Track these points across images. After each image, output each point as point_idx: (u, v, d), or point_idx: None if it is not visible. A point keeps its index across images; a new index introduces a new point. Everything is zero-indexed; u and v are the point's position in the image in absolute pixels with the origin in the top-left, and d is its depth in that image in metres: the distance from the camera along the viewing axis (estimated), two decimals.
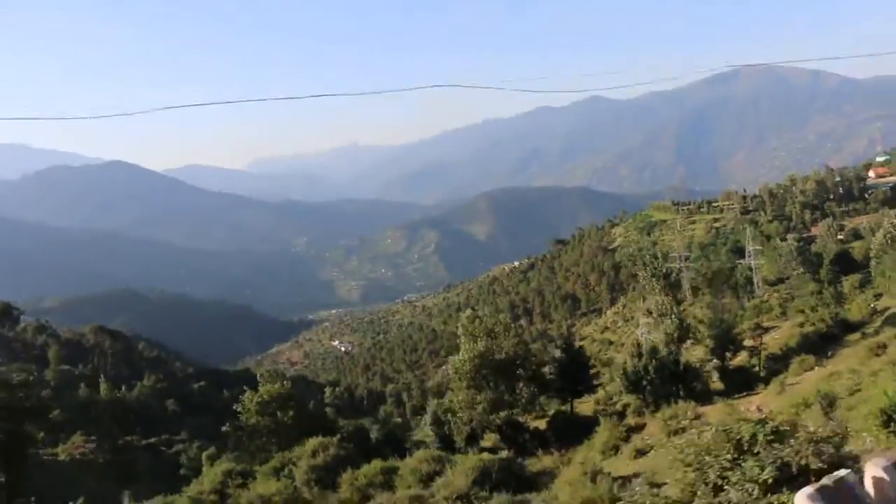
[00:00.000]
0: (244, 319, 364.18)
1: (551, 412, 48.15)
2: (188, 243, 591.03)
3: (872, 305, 56.23)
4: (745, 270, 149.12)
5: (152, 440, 76.24)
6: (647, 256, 66.38)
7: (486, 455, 27.44)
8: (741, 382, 42.92)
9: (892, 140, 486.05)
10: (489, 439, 43.38)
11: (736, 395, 39.86)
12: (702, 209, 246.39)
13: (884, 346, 38.17)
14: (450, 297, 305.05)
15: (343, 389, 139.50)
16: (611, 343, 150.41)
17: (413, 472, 24.87)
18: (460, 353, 45.46)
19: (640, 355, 43.24)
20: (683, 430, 30.15)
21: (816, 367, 40.05)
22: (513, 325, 50.63)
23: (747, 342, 49.28)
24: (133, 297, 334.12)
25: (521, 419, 44.74)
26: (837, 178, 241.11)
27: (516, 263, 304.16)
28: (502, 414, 42.86)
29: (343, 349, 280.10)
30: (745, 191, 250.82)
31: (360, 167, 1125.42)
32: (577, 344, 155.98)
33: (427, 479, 23.48)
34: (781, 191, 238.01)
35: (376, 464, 26.23)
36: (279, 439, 41.53)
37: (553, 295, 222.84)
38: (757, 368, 46.18)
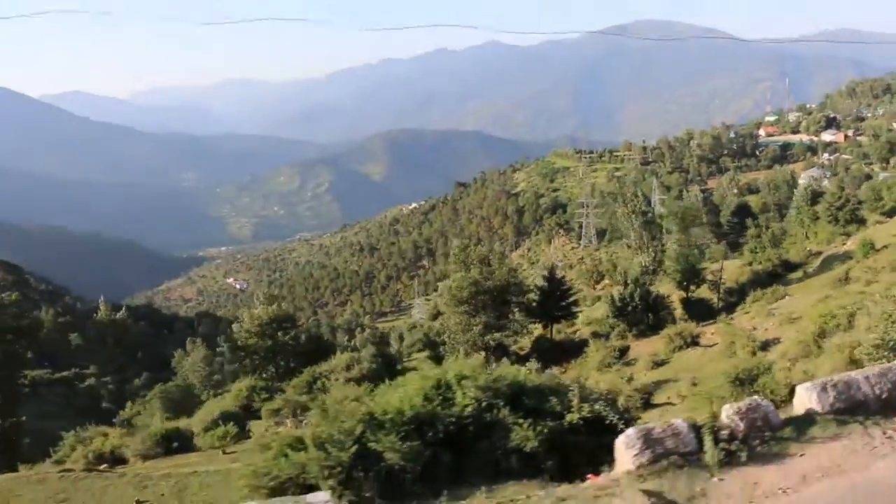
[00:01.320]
0: (129, 254, 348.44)
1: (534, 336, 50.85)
2: (67, 174, 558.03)
3: (808, 248, 60.78)
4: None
5: (62, 374, 72.84)
6: (628, 195, 68.61)
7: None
8: (702, 312, 47.43)
9: (777, 101, 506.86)
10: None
11: (703, 322, 43.94)
12: (603, 158, 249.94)
13: (847, 278, 42.92)
14: (347, 237, 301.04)
15: None
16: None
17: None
18: (451, 280, 48.54)
19: (625, 284, 48.31)
20: (687, 345, 37.52)
21: (787, 296, 44.06)
22: (506, 256, 53.89)
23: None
24: (8, 229, 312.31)
25: (505, 342, 46.56)
26: (732, 135, 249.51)
27: (414, 205, 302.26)
28: (496, 335, 44.96)
29: (238, 286, 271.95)
30: (643, 142, 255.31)
31: (250, 103, 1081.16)
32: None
33: None
34: (679, 144, 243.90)
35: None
36: (282, 358, 43.19)
37: (456, 237, 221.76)
38: (715, 301, 50.41)
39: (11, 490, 19.41)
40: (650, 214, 73.64)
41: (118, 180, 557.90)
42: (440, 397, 9.53)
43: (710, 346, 37.34)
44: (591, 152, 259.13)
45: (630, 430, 7.62)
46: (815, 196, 71.29)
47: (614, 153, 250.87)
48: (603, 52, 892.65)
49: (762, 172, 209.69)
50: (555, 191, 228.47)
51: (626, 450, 7.39)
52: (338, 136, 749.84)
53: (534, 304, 50.52)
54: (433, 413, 9.12)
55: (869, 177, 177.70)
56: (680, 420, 7.82)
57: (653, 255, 55.62)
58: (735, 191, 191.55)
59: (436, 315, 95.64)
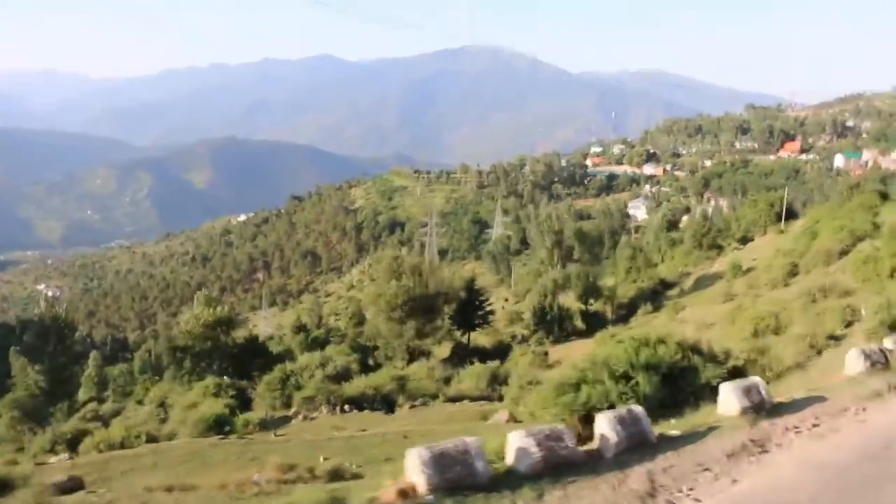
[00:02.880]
0: None
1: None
2: None
3: (681, 269, 62.71)
4: (502, 238, 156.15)
5: None
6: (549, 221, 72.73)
7: None
8: (599, 323, 51.67)
9: (596, 131, 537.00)
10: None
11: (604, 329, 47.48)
12: (441, 179, 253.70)
13: (732, 296, 47.09)
14: (172, 246, 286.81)
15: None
16: (359, 301, 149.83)
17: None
18: (378, 288, 50.49)
19: (545, 295, 51.83)
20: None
21: (688, 308, 47.97)
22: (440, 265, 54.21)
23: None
24: None
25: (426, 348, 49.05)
26: (563, 163, 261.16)
27: (243, 216, 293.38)
28: (427, 340, 48.13)
29: (50, 293, 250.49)
30: (478, 165, 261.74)
31: (64, 96, 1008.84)
32: (324, 300, 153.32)
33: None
34: (512, 169, 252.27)
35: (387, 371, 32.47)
36: (223, 361, 43.12)
37: (293, 251, 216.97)
38: (609, 313, 54.90)
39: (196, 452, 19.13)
40: (561, 235, 76.61)
41: None
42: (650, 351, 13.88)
43: None
44: (429, 172, 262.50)
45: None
46: (671, 224, 76.44)
47: (451, 175, 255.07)
48: (434, 74, 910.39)
49: (590, 200, 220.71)
50: (393, 209, 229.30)
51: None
52: (161, 139, 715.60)
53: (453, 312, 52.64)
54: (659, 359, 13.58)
55: (688, 209, 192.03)
56: None
57: (560, 273, 57.29)
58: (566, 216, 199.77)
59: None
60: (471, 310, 52.94)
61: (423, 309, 47.43)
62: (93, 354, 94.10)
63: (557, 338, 47.75)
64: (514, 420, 20.94)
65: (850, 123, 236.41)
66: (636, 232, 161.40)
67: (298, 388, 30.38)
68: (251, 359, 43.53)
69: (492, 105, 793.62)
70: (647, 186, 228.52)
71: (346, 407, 25.93)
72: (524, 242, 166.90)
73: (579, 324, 51.68)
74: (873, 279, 29.70)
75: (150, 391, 51.02)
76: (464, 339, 52.74)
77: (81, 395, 66.86)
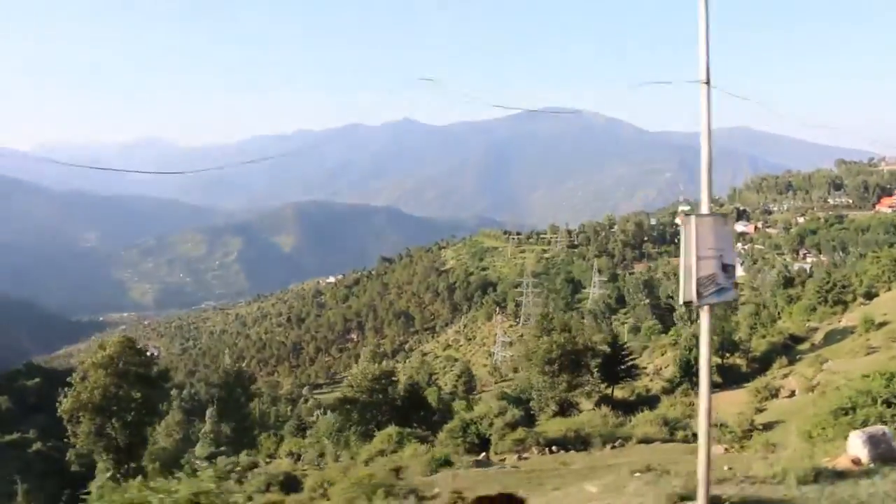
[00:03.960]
0: (22, 317, 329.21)
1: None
2: None
3: (808, 325, 65.33)
4: (603, 296, 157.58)
5: (9, 438, 69.27)
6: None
7: None
8: (735, 377, 52.78)
9: (677, 191, 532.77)
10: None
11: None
12: (530, 240, 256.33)
13: (874, 348, 47.71)
14: (264, 307, 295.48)
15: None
16: (455, 360, 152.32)
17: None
18: (540, 343, 50.95)
19: (689, 349, 52.39)
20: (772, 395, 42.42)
21: (831, 361, 47.94)
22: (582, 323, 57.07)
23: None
24: None
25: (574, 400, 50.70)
26: (653, 222, 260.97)
27: (332, 278, 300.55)
28: (576, 392, 49.74)
29: (149, 353, 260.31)
30: (567, 225, 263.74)
31: (159, 164, 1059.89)
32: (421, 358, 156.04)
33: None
34: (602, 229, 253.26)
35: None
36: (389, 412, 46.64)
37: (386, 311, 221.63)
38: (744, 367, 55.65)
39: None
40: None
41: (6, 238, 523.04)
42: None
43: (789, 396, 40.89)
44: (519, 233, 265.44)
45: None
46: (788, 281, 77.57)
47: (541, 235, 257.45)
48: (512, 136, 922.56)
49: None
50: (484, 269, 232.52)
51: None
52: (247, 204, 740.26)
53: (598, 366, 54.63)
54: None
55: (786, 266, 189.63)
56: None
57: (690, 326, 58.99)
58: (658, 275, 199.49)
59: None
60: (614, 364, 54.93)
61: (573, 363, 49.54)
62: (209, 411, 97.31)
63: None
64: (727, 451, 23.24)
65: None
66: (740, 289, 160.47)
67: (478, 434, 32.06)
68: (413, 410, 45.82)
69: (569, 166, 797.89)
70: (740, 244, 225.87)
71: (553, 448, 28.06)
72: (620, 301, 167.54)
73: (716, 377, 52.85)
74: None
75: (279, 445, 53.25)
76: (608, 392, 54.57)
77: (199, 451, 69.60)
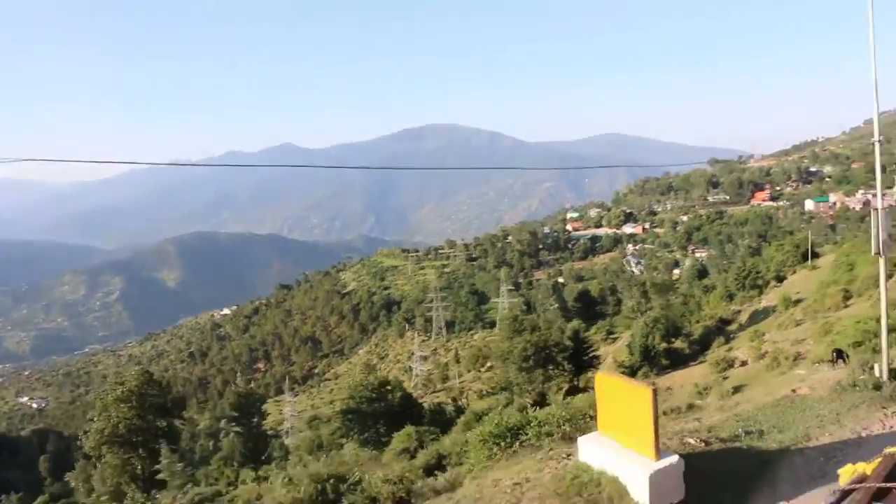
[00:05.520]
0: None
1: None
2: None
3: (732, 308, 71.30)
4: (515, 305, 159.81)
5: None
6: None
7: None
8: (681, 358, 55.28)
9: (559, 199, 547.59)
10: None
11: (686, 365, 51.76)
12: (429, 256, 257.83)
13: (799, 321, 50.58)
14: (158, 345, 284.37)
15: None
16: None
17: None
18: (505, 345, 54.53)
19: (646, 336, 55.60)
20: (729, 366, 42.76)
21: (767, 334, 50.69)
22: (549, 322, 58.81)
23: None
24: None
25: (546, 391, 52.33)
26: (547, 230, 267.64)
27: (227, 311, 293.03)
28: (551, 383, 51.82)
29: (35, 405, 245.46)
30: (462, 240, 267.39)
31: (23, 204, 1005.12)
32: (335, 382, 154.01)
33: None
34: (497, 240, 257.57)
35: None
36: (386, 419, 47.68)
37: (292, 338, 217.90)
38: (687, 350, 58.26)
39: None
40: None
41: None
42: None
43: (742, 365, 42.46)
44: (417, 251, 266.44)
45: None
46: (702, 273, 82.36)
47: (439, 251, 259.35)
48: (396, 155, 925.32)
49: (578, 263, 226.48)
50: (386, 289, 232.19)
51: None
52: (126, 240, 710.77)
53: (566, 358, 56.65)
54: None
55: (676, 262, 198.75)
56: None
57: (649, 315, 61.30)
58: (560, 279, 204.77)
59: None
60: (579, 356, 57.38)
61: (546, 358, 51.80)
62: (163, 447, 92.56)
63: (657, 371, 51.28)
64: None
65: (812, 169, 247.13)
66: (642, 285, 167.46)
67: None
68: (407, 415, 46.38)
69: (454, 181, 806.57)
70: (631, 245, 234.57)
71: None
72: (528, 307, 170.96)
73: (664, 360, 55.48)
74: None
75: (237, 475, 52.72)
76: (575, 382, 56.42)
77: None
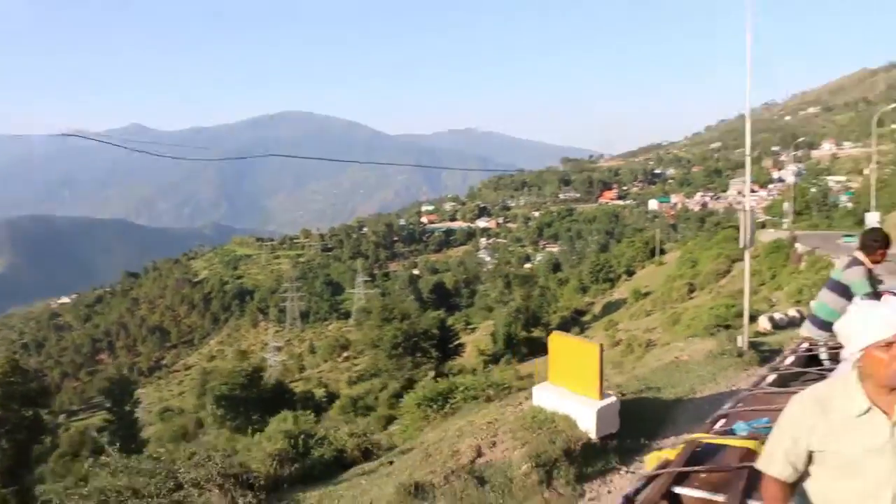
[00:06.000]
0: None
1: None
2: None
3: (585, 300, 72.83)
4: (371, 297, 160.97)
5: None
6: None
7: None
8: (538, 347, 54.54)
9: (413, 192, 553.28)
10: None
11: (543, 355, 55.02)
12: (284, 245, 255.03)
13: (649, 311, 55.15)
14: None
15: None
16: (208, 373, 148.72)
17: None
18: (374, 332, 55.43)
19: (509, 325, 58.64)
20: None
21: (621, 323, 55.38)
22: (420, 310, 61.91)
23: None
24: None
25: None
26: (402, 222, 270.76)
27: (66, 299, 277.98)
28: (420, 369, 52.70)
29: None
30: (317, 229, 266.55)
31: None
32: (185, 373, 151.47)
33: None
34: (353, 231, 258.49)
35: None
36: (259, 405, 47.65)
37: (138, 328, 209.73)
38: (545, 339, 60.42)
39: None
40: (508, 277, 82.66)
41: None
42: None
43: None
44: (272, 240, 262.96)
45: None
46: (556, 266, 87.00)
47: (294, 240, 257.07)
48: (250, 141, 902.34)
49: (434, 255, 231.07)
50: (239, 278, 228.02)
51: None
52: None
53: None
54: None
55: (528, 257, 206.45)
56: None
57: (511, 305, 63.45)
58: (415, 271, 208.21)
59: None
60: (445, 343, 58.70)
61: (415, 346, 53.22)
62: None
63: (519, 359, 54.13)
64: None
65: (657, 171, 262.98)
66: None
67: (367, 407, 33.54)
68: (279, 401, 46.63)
69: (310, 170, 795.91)
70: (484, 239, 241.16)
71: None
72: (384, 297, 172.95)
73: (524, 348, 58.47)
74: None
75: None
76: (441, 369, 58.48)
77: None
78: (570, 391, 8.20)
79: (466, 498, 6.56)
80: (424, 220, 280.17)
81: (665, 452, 4.93)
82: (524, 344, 58.20)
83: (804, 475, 2.52)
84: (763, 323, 19.42)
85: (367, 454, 10.03)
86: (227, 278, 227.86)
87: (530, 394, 8.93)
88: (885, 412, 2.39)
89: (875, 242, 6.24)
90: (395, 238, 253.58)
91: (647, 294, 63.10)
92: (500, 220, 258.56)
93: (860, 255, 6.27)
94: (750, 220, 12.51)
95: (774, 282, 39.15)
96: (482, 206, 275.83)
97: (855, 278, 6.14)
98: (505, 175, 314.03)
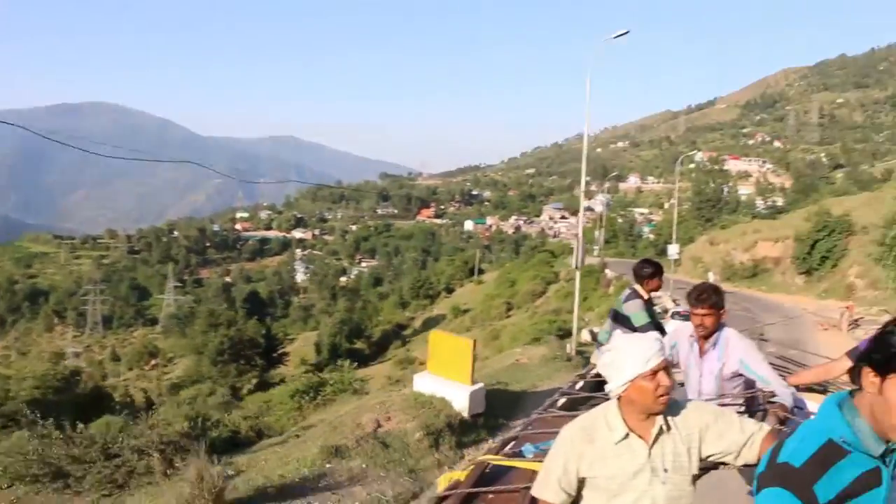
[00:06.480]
0: None
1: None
2: None
3: (406, 315, 75.56)
4: (185, 302, 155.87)
5: None
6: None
7: None
8: (360, 358, 58.53)
9: (227, 197, 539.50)
10: None
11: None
12: (86, 245, 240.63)
13: (469, 327, 57.35)
14: None
15: None
16: (8, 378, 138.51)
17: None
18: (199, 338, 55.83)
19: (334, 335, 59.77)
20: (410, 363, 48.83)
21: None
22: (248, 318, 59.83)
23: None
24: None
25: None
26: (216, 228, 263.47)
27: None
28: (245, 377, 53.28)
29: None
30: (124, 230, 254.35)
31: None
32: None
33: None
34: (164, 235, 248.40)
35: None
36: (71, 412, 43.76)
37: None
38: (367, 350, 63.25)
39: None
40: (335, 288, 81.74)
41: None
42: None
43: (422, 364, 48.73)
44: (73, 238, 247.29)
45: None
46: (378, 280, 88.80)
47: (98, 240, 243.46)
48: (49, 130, 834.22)
49: (248, 264, 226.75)
50: (32, 277, 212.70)
51: None
52: None
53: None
54: None
55: (344, 270, 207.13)
56: None
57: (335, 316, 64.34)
58: (228, 279, 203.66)
59: None
60: (270, 352, 59.01)
61: (240, 354, 52.94)
62: None
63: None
64: None
65: (474, 192, 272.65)
66: (304, 292, 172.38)
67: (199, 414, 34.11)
68: (97, 406, 44.85)
69: (116, 167, 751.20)
70: (300, 250, 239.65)
71: None
72: (197, 304, 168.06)
73: (346, 360, 59.94)
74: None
75: None
76: (265, 377, 58.59)
77: None
78: (446, 378, 9.97)
79: (375, 457, 8.15)
80: (239, 227, 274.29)
81: (455, 474, 4.94)
82: (347, 355, 59.60)
83: (578, 498, 2.76)
84: (584, 335, 22.33)
85: (259, 434, 11.25)
86: (18, 277, 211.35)
87: (410, 382, 10.65)
88: (641, 437, 2.64)
89: (646, 272, 6.42)
90: (208, 244, 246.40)
91: (466, 311, 66.10)
92: (317, 231, 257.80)
93: (637, 287, 6.46)
94: (581, 244, 14.96)
95: (587, 303, 43.16)
96: (299, 216, 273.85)
97: (633, 311, 6.34)
98: (323, 186, 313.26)
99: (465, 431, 9.24)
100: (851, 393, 2.09)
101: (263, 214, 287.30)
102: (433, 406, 9.53)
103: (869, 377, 2.01)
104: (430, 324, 68.23)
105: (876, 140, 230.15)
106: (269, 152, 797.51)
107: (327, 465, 7.93)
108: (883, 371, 1.96)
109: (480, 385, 9.99)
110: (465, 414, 9.54)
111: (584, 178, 15.76)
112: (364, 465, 7.93)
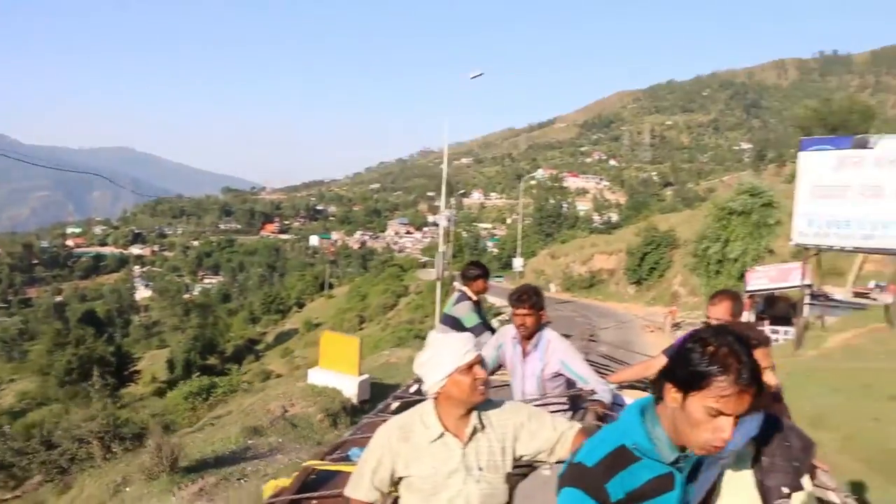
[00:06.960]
0: None
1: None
2: None
3: (258, 329, 76.15)
4: (14, 323, 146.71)
5: None
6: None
7: None
8: (215, 372, 54.14)
9: (55, 211, 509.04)
10: None
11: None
12: None
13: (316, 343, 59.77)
14: None
15: None
16: None
17: None
18: (45, 359, 53.82)
19: (188, 351, 59.61)
20: (267, 377, 48.65)
21: (297, 350, 58.87)
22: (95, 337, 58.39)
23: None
24: None
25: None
26: (44, 244, 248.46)
27: None
28: (94, 398, 48.95)
29: None
30: None
31: None
32: None
33: None
34: None
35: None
36: None
37: None
38: (219, 365, 61.08)
39: None
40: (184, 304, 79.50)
41: None
42: None
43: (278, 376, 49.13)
44: None
45: None
46: (226, 297, 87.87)
47: None
48: None
49: (82, 282, 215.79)
50: None
51: None
52: None
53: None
54: None
55: (187, 287, 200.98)
56: None
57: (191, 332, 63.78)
58: (58, 297, 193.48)
59: None
60: (121, 370, 57.12)
61: (89, 373, 51.22)
62: None
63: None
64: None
65: (319, 207, 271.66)
66: (145, 310, 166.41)
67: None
68: None
69: None
70: (138, 267, 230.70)
71: None
72: (26, 325, 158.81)
73: (197, 375, 59.72)
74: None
75: None
76: (117, 395, 57.26)
77: None
78: (337, 372, 11.90)
79: (287, 433, 9.96)
80: (70, 242, 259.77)
81: (281, 481, 4.97)
82: (201, 371, 59.42)
83: (397, 499, 2.76)
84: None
85: (167, 429, 12.63)
86: None
87: (304, 376, 12.50)
88: (456, 436, 2.65)
89: (472, 273, 6.52)
90: (36, 261, 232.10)
91: (318, 325, 67.10)
92: (157, 247, 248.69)
93: (465, 289, 6.54)
94: (442, 259, 17.19)
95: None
96: (137, 231, 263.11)
97: (462, 313, 6.40)
98: (162, 200, 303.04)
99: (355, 414, 11.18)
100: (657, 399, 2.12)
101: (98, 230, 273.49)
102: (328, 394, 11.43)
103: (671, 393, 2.00)
104: (282, 338, 68.86)
105: (700, 160, 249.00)
106: (104, 164, 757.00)
107: (249, 442, 9.66)
108: (685, 388, 1.95)
109: (366, 376, 11.97)
110: (355, 400, 11.49)
111: (444, 194, 18.03)
112: (280, 440, 9.72)
